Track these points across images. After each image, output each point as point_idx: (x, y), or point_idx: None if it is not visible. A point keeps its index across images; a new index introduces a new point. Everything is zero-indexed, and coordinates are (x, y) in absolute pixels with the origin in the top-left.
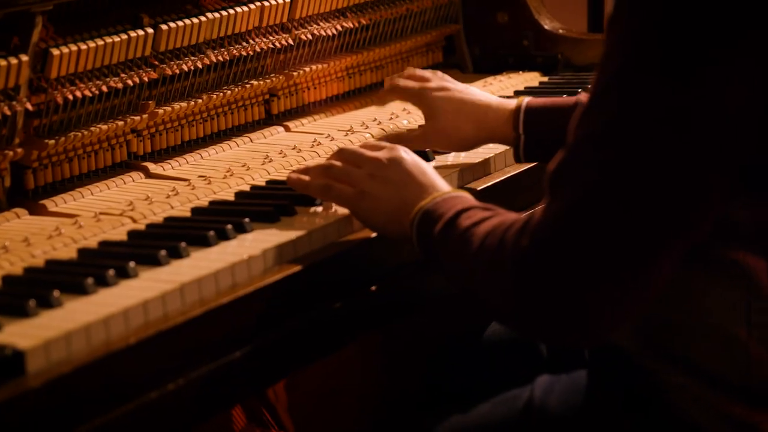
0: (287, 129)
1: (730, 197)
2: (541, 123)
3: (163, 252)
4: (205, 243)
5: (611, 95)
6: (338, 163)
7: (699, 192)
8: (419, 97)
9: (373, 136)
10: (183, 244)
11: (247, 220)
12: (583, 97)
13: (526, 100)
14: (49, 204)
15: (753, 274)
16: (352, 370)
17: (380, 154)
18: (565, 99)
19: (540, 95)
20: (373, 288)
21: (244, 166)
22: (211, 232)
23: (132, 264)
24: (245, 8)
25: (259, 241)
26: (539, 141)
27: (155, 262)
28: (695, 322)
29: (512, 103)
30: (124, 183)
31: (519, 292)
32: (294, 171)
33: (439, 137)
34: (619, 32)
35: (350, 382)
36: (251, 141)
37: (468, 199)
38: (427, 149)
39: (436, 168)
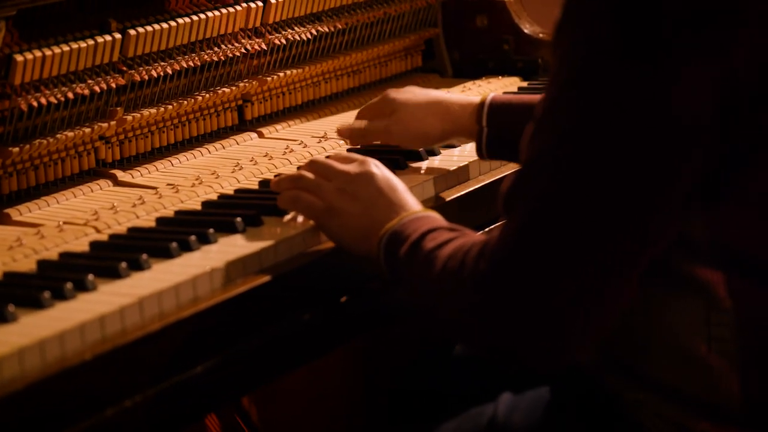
0: (261, 135)
1: (686, 210)
2: (505, 117)
3: (123, 264)
4: (167, 255)
5: (562, 110)
6: (309, 174)
7: (658, 204)
8: (383, 102)
9: (347, 143)
10: (144, 256)
11: (211, 230)
12: None
13: (491, 94)
14: (14, 213)
15: (711, 287)
16: (330, 381)
17: (350, 168)
18: (530, 96)
19: None
20: (341, 300)
21: (213, 174)
22: (174, 244)
23: (91, 277)
24: (216, 13)
25: (223, 252)
26: (502, 135)
27: (115, 274)
28: (655, 337)
29: (477, 98)
30: (92, 191)
31: (479, 315)
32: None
33: (401, 132)
34: (568, 39)
35: (328, 393)
36: (223, 148)
37: (435, 219)
38: (398, 157)
39: (410, 176)
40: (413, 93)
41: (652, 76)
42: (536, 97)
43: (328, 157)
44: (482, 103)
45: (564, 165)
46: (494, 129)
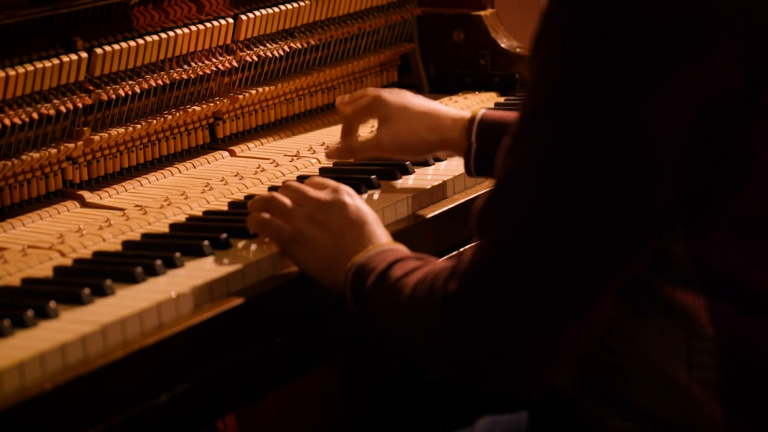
0: (233, 154)
1: (667, 232)
2: (495, 134)
3: (86, 290)
4: (132, 280)
5: (536, 128)
6: (281, 198)
7: (633, 226)
8: (374, 106)
9: (319, 161)
10: (108, 282)
11: (178, 254)
12: None
13: (482, 110)
14: None
15: (692, 312)
16: (307, 393)
17: (322, 195)
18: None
19: None
20: (310, 324)
21: (182, 194)
22: (139, 268)
23: (52, 303)
24: (185, 30)
25: (189, 277)
26: (491, 152)
27: (78, 300)
28: (634, 363)
29: (467, 113)
30: (58, 213)
31: (449, 336)
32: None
33: (392, 144)
34: (543, 59)
35: (305, 414)
36: (194, 167)
37: (401, 251)
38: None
39: (390, 194)
40: (406, 99)
41: (627, 95)
42: None
43: (302, 180)
44: (472, 119)
45: (537, 185)
46: (483, 145)
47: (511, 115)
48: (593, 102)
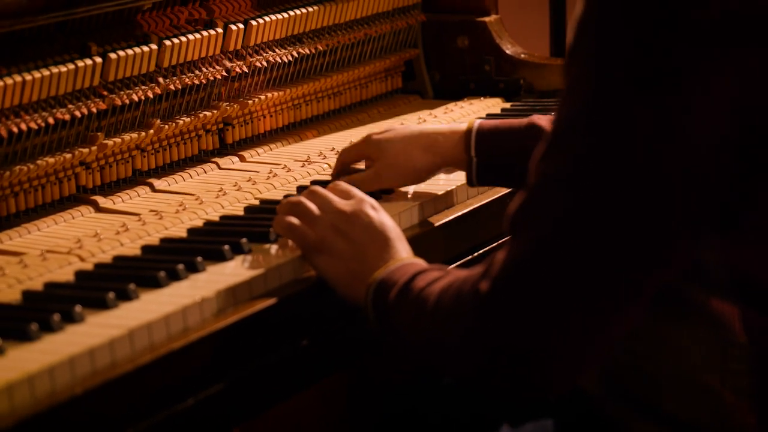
0: (242, 159)
1: (701, 239)
2: (494, 145)
3: (111, 294)
4: (155, 284)
5: (572, 135)
6: (307, 203)
7: (669, 233)
8: (366, 143)
9: (330, 166)
10: (132, 286)
11: (199, 259)
12: (535, 119)
13: (477, 122)
14: None
15: (725, 320)
16: (313, 413)
17: (347, 206)
18: (517, 120)
19: None
20: (335, 327)
21: (197, 199)
22: (162, 273)
23: (78, 308)
24: (197, 36)
25: (212, 281)
26: (492, 163)
27: (103, 305)
28: (666, 370)
29: (462, 126)
30: (73, 218)
31: (478, 335)
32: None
33: (391, 173)
34: (579, 68)
35: (310, 419)
36: (204, 172)
37: (421, 264)
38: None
39: (396, 202)
40: (395, 131)
41: (663, 105)
42: (522, 122)
43: (328, 186)
44: (469, 132)
45: (571, 190)
46: (484, 158)
47: (506, 123)
48: (627, 111)
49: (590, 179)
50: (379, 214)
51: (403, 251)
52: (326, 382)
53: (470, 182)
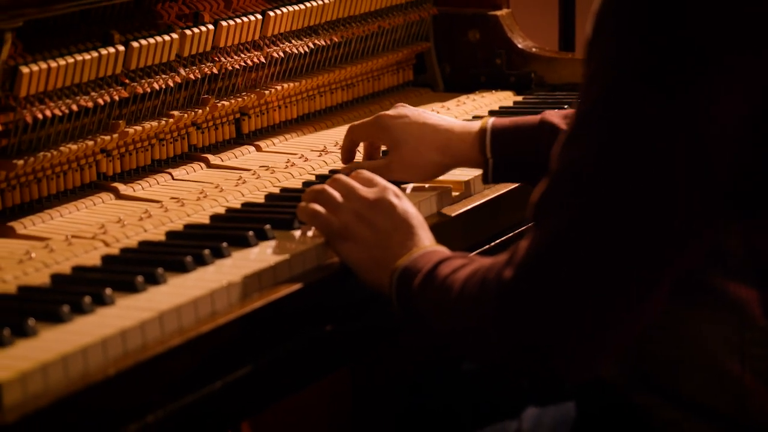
0: (258, 149)
1: (722, 225)
2: (509, 144)
3: (139, 278)
4: (182, 268)
5: (592, 126)
6: (331, 191)
7: (689, 221)
8: (377, 127)
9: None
10: (160, 270)
11: (224, 244)
12: (547, 115)
13: (490, 121)
14: (18, 226)
15: (745, 304)
16: (321, 400)
17: (371, 194)
18: (529, 118)
19: (516, 115)
20: (356, 314)
21: (217, 187)
22: (189, 258)
23: (108, 291)
24: (217, 25)
25: (237, 266)
26: (507, 163)
27: (132, 288)
28: (686, 355)
29: (475, 125)
30: (94, 204)
31: (504, 323)
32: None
33: (403, 167)
34: (599, 58)
35: (319, 412)
36: (221, 161)
37: (446, 251)
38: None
39: (414, 192)
40: (409, 118)
41: (679, 99)
42: (534, 119)
43: (351, 174)
44: (483, 132)
45: (593, 178)
46: (499, 157)
47: (520, 121)
48: (646, 103)
49: (609, 170)
50: (402, 201)
51: (426, 239)
52: (332, 376)
53: (486, 180)
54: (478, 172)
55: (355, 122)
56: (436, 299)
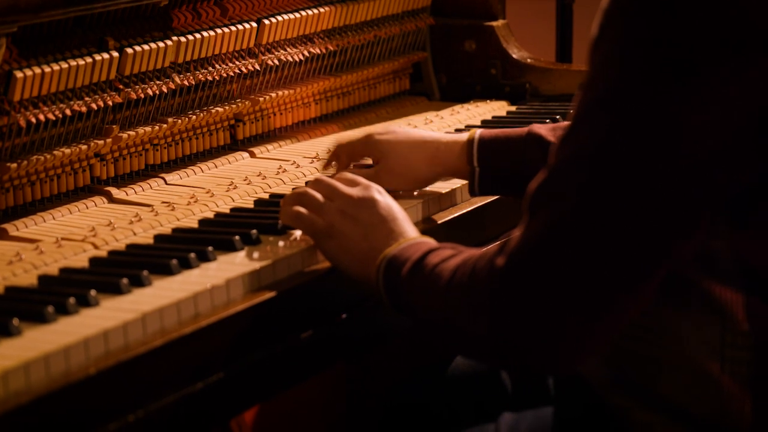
0: (252, 155)
1: (710, 228)
2: (495, 155)
3: (125, 280)
4: (167, 272)
5: (595, 118)
6: (313, 193)
7: (681, 220)
8: (366, 144)
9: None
10: (145, 273)
11: (210, 248)
12: (535, 128)
13: (478, 132)
14: (11, 228)
15: (729, 308)
16: (315, 404)
17: (354, 192)
18: (517, 130)
19: (508, 125)
20: (340, 318)
21: (208, 192)
22: (174, 261)
23: (93, 292)
24: (212, 33)
25: (222, 270)
26: (494, 173)
27: (117, 290)
28: (667, 354)
29: (463, 136)
30: (87, 208)
31: (493, 311)
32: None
33: (391, 177)
34: (603, 55)
35: (312, 415)
36: (215, 167)
37: (434, 242)
38: None
39: (400, 200)
40: (396, 134)
41: (679, 100)
42: (521, 131)
43: (333, 176)
44: (470, 143)
45: (589, 172)
46: (486, 168)
47: (507, 132)
48: (646, 100)
49: (608, 162)
50: (385, 197)
51: (411, 231)
52: (325, 376)
53: (472, 192)
54: (464, 181)
55: (343, 141)
56: (424, 287)
